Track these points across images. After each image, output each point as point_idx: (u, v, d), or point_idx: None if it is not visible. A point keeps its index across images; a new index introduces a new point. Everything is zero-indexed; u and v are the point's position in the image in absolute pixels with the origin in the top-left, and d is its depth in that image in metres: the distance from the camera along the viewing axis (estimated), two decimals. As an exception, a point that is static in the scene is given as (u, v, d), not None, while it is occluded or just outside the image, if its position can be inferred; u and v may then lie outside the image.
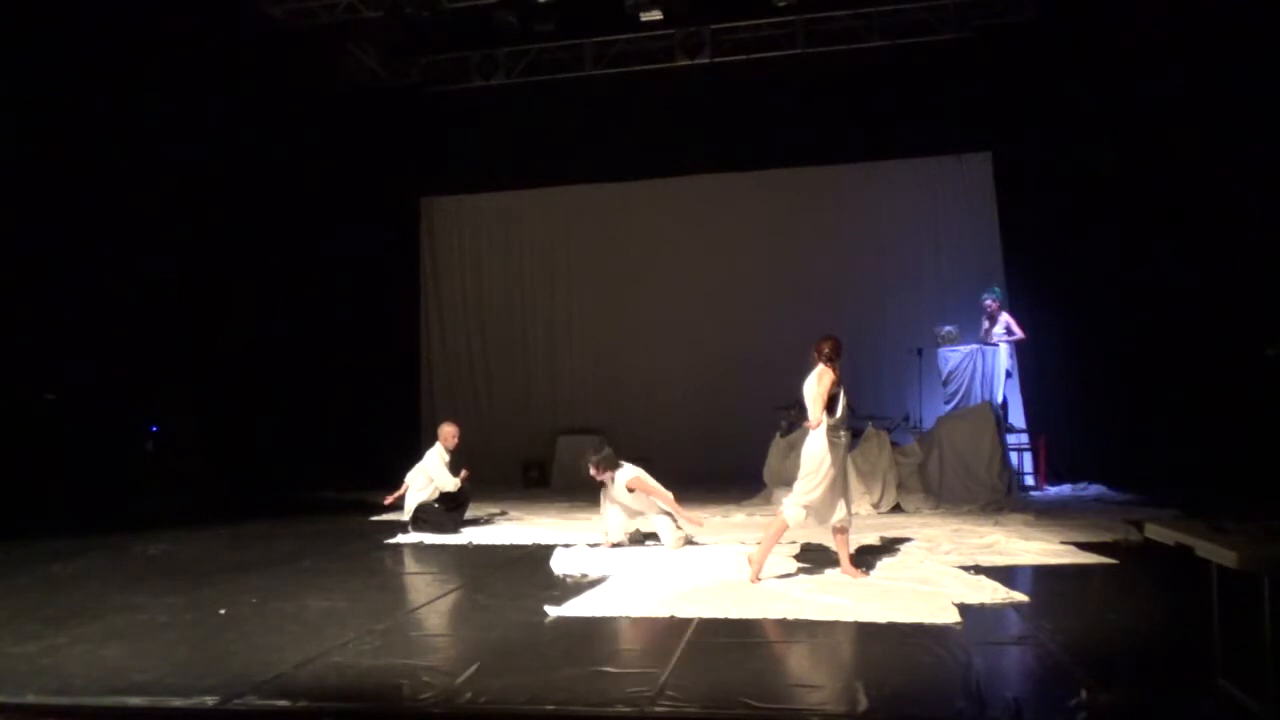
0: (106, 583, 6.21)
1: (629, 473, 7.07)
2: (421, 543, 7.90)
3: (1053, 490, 10.41)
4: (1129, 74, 10.23)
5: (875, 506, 9.20)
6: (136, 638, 4.74)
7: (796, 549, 6.95)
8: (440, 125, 13.43)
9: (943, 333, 10.96)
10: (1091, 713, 3.37)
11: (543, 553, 7.03)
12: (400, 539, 8.03)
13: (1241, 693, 3.41)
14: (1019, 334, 10.83)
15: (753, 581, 5.66)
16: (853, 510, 6.12)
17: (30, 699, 3.81)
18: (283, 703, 3.71)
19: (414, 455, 9.38)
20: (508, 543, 7.85)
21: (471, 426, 13.38)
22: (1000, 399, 10.60)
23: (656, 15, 11.19)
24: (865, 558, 6.51)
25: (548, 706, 3.59)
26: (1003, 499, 9.17)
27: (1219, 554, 3.32)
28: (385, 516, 9.10)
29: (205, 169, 11.60)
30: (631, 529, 7.26)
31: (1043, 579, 5.98)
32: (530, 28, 11.54)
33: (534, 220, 13.96)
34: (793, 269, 12.77)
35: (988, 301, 10.92)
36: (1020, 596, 5.22)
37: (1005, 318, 10.88)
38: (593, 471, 7.16)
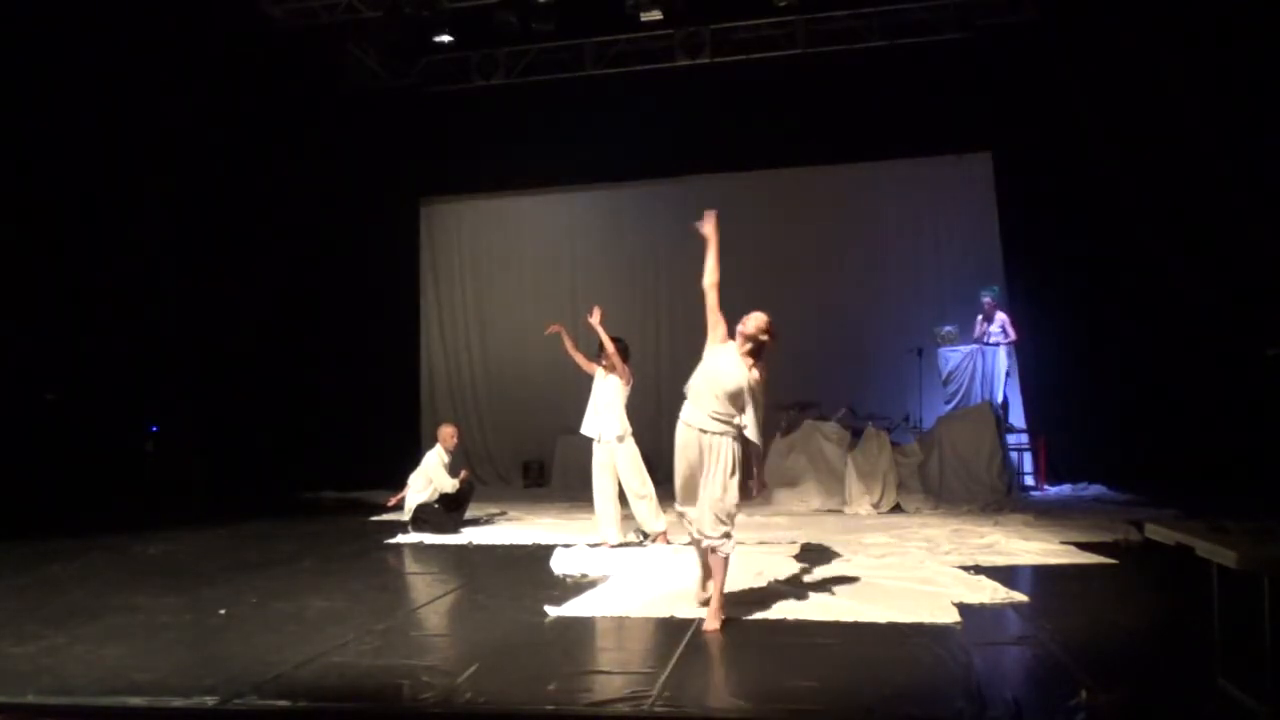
0: (106, 583, 6.22)
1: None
2: (421, 543, 7.90)
3: (1053, 490, 10.40)
4: (1129, 74, 10.23)
5: (875, 506, 9.20)
6: (136, 638, 4.74)
7: (796, 549, 6.95)
8: (440, 125, 13.42)
9: (943, 333, 10.96)
10: (1091, 713, 3.37)
11: (543, 553, 7.04)
12: (400, 539, 8.03)
13: (1241, 693, 3.41)
14: (1013, 335, 10.84)
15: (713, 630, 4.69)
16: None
17: (30, 699, 3.81)
18: (283, 703, 3.71)
19: (414, 456, 9.38)
20: (508, 543, 7.85)
21: (471, 427, 13.44)
22: (1000, 399, 10.60)
23: (656, 15, 11.17)
24: (866, 558, 6.52)
25: (548, 706, 3.59)
26: (1003, 499, 9.17)
27: (1219, 554, 3.32)
28: (385, 517, 9.10)
29: (205, 169, 11.59)
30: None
31: (1043, 579, 5.97)
32: (530, 28, 11.53)
33: (534, 220, 13.95)
34: (793, 269, 12.74)
35: (985, 300, 10.94)
36: (1020, 596, 5.22)
37: (1001, 317, 10.90)
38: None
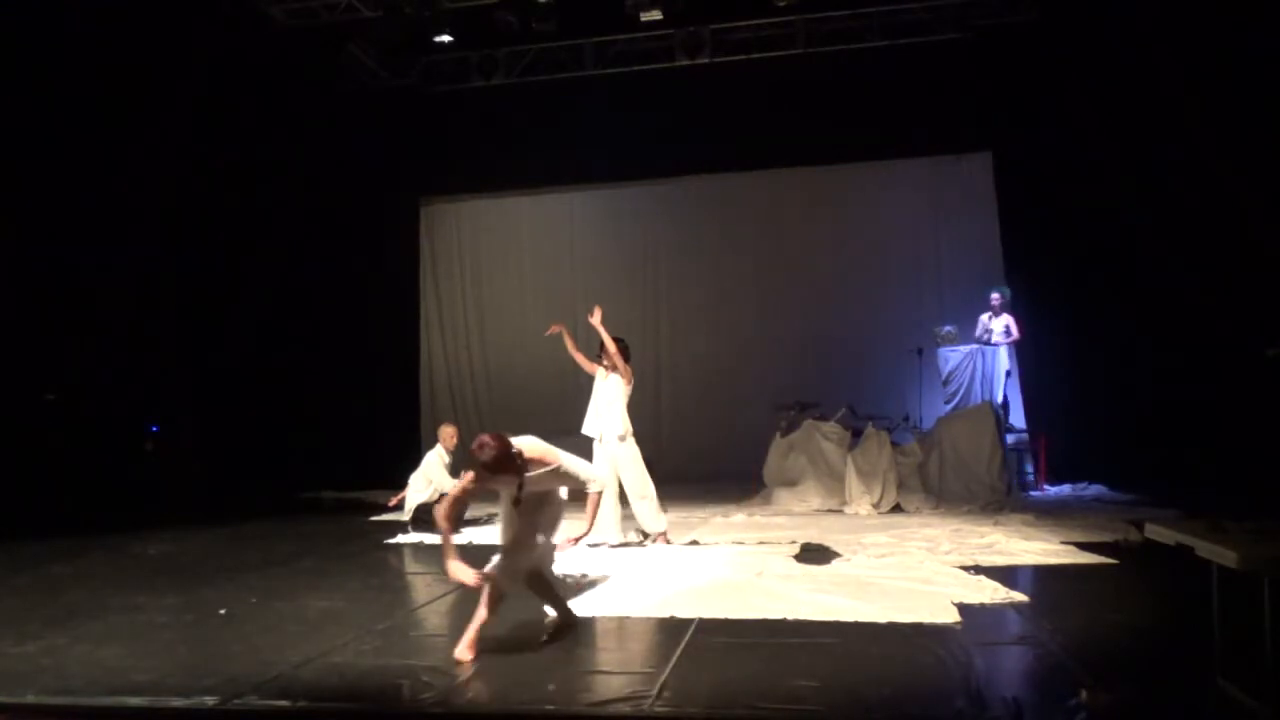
0: (106, 583, 6.21)
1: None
2: (421, 543, 7.90)
3: (1053, 490, 10.40)
4: (1129, 74, 10.23)
5: (875, 506, 9.19)
6: (136, 638, 4.74)
7: (796, 549, 6.95)
8: (440, 125, 13.43)
9: (943, 333, 10.98)
10: (1091, 713, 3.37)
11: (543, 553, 7.03)
12: (400, 539, 8.03)
13: (1241, 693, 3.40)
14: (1016, 335, 10.86)
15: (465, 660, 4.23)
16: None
17: (30, 699, 3.81)
18: (283, 703, 3.72)
19: (414, 456, 9.37)
20: (508, 543, 7.83)
21: (472, 427, 13.42)
22: (1000, 399, 10.60)
23: (656, 15, 11.17)
24: (866, 558, 6.51)
25: (548, 706, 3.60)
26: (1003, 499, 9.16)
27: (1219, 554, 3.32)
28: (385, 517, 9.09)
29: (205, 169, 11.59)
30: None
31: (1043, 579, 5.97)
32: (530, 28, 11.54)
33: (534, 220, 13.97)
34: (793, 269, 12.78)
35: (994, 297, 10.94)
36: (1020, 596, 5.22)
37: (1007, 318, 10.91)
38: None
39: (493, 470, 4.29)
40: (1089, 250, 11.10)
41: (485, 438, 4.31)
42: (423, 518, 8.36)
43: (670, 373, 13.18)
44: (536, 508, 4.57)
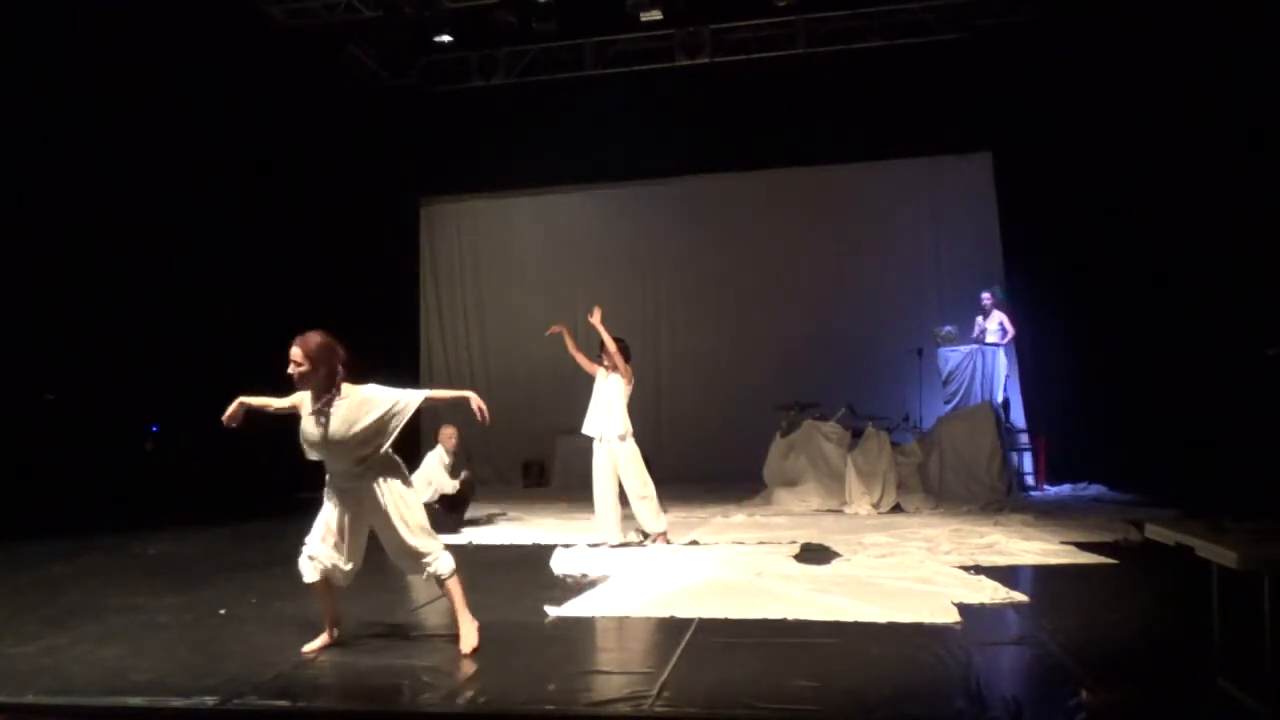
0: (106, 583, 6.21)
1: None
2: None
3: (1053, 490, 10.41)
4: (1128, 74, 10.23)
5: (875, 506, 9.20)
6: (136, 638, 4.74)
7: (796, 549, 6.96)
8: (440, 125, 13.43)
9: (943, 333, 10.98)
10: (1091, 713, 3.37)
11: (543, 553, 7.03)
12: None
13: (1241, 693, 3.41)
14: (1011, 332, 10.88)
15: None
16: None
17: (30, 699, 3.81)
18: (283, 703, 3.71)
19: (414, 456, 9.33)
20: (508, 543, 7.85)
21: (471, 427, 13.39)
22: (1000, 399, 10.61)
23: (656, 15, 11.17)
24: (866, 558, 6.52)
25: (548, 706, 3.59)
26: (1003, 499, 9.17)
27: (1219, 554, 3.32)
28: (385, 516, 9.08)
29: (204, 169, 11.58)
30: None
31: (1043, 579, 5.97)
32: (530, 28, 11.54)
33: (534, 220, 13.96)
34: (792, 269, 12.78)
35: (985, 296, 10.95)
36: (1020, 596, 5.22)
37: (999, 316, 10.92)
38: None
39: (308, 358, 4.59)
40: (1089, 250, 11.10)
41: (316, 331, 4.48)
42: (423, 518, 8.35)
43: (670, 373, 13.18)
44: (374, 507, 4.70)
